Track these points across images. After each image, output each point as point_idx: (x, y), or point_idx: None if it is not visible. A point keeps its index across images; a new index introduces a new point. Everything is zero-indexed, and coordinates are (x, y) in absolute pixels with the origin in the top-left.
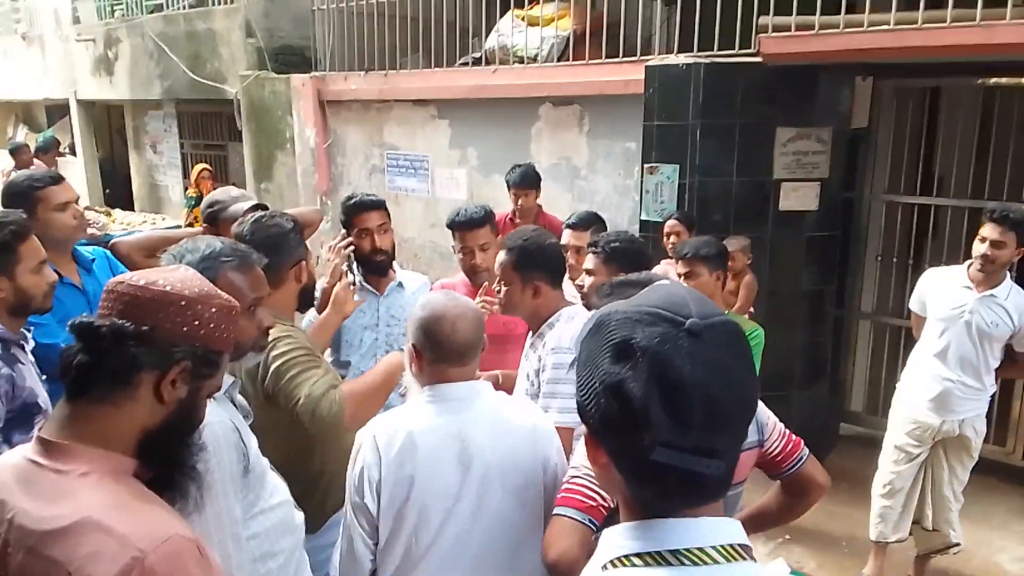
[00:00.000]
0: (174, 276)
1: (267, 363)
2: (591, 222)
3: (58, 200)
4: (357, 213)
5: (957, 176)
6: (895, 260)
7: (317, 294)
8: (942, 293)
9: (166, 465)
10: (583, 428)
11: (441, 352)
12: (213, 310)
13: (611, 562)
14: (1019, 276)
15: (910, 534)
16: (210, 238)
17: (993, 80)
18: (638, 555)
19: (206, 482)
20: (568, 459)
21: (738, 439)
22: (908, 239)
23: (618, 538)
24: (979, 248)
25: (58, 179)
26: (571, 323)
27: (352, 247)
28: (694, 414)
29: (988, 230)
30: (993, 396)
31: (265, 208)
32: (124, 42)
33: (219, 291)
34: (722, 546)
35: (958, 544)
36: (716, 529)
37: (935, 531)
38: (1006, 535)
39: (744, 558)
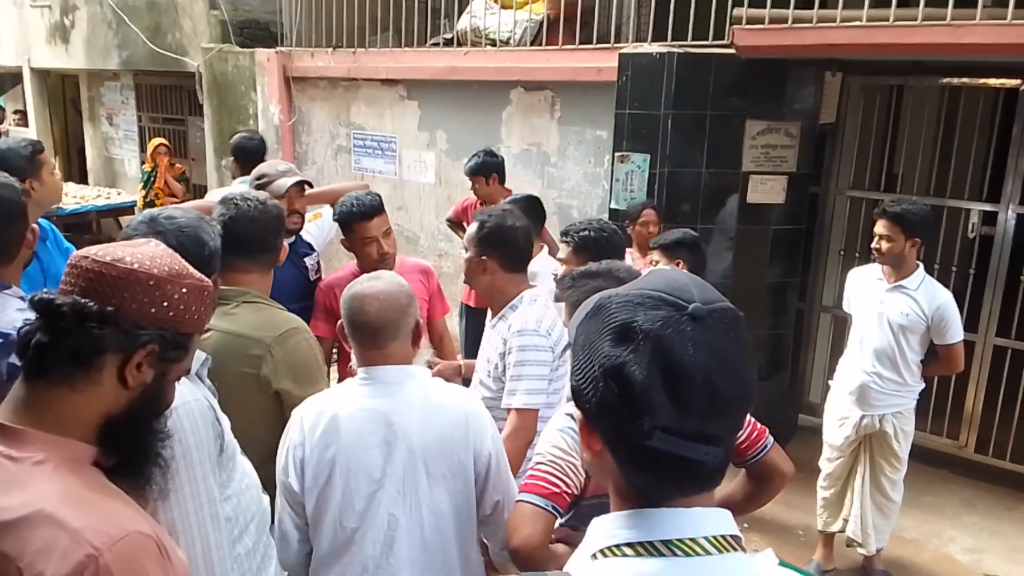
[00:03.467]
0: (142, 252)
1: (284, 354)
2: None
3: (50, 163)
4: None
5: (919, 174)
6: (857, 255)
7: None
8: (860, 288)
9: (129, 452)
10: (569, 413)
11: (352, 333)
12: (183, 290)
13: (601, 551)
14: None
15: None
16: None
17: (958, 80)
18: (629, 544)
19: (183, 463)
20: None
21: (736, 426)
22: (870, 235)
23: (608, 527)
24: (874, 242)
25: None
26: (533, 305)
27: None
28: (695, 399)
29: (877, 225)
30: (931, 390)
31: (310, 185)
32: (81, 9)
33: (191, 269)
34: (714, 536)
35: (858, 543)
36: (708, 519)
37: (845, 520)
38: (957, 526)
39: (736, 549)
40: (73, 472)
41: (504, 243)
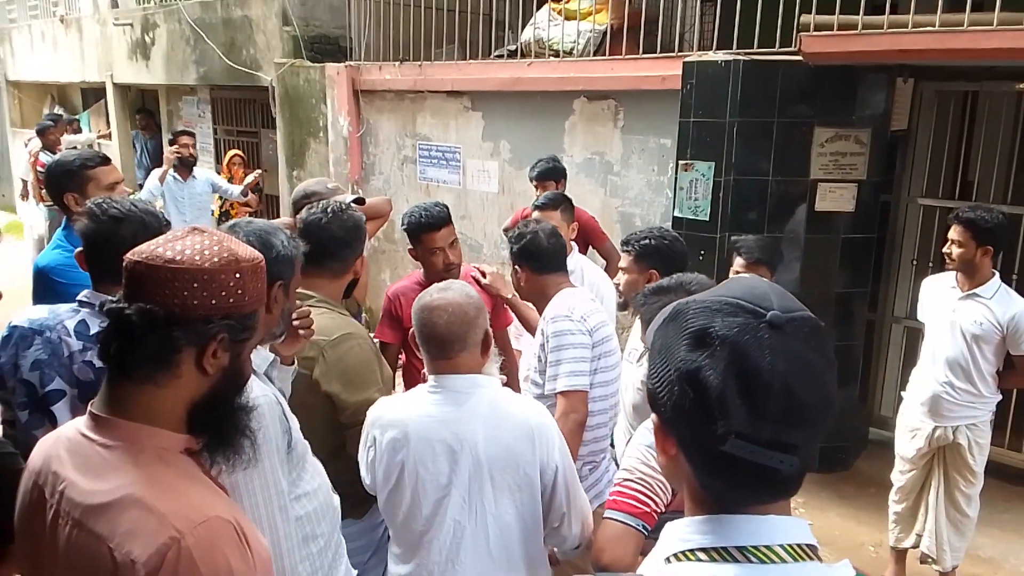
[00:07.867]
0: (190, 248)
1: (336, 358)
2: (558, 202)
3: (108, 180)
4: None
5: (995, 182)
6: (930, 265)
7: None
8: (933, 297)
9: (217, 429)
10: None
11: (422, 343)
12: (238, 275)
13: (675, 555)
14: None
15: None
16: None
17: None
18: (703, 549)
19: (255, 454)
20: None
21: (814, 436)
22: (943, 243)
23: (683, 531)
24: (945, 247)
25: (107, 160)
26: (572, 296)
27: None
28: (771, 406)
29: (950, 230)
30: (1009, 404)
31: (364, 203)
32: (161, 27)
33: (239, 252)
34: (790, 545)
35: (933, 559)
36: (784, 528)
37: (918, 536)
38: None
39: (811, 558)
40: (161, 459)
41: (525, 251)
